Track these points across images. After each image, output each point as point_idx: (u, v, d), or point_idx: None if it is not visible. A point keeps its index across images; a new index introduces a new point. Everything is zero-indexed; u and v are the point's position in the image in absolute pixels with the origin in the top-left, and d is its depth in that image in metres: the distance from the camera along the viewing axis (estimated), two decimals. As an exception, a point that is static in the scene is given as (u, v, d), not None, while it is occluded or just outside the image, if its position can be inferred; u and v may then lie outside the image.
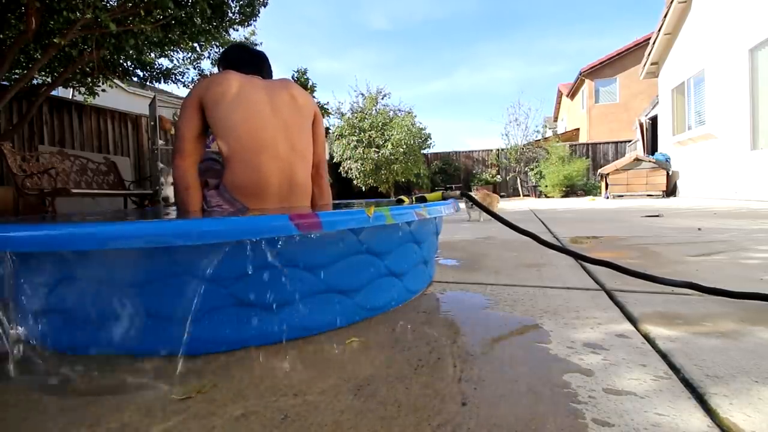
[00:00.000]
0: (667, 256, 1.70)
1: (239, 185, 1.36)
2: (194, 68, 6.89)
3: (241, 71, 1.47)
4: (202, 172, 1.50)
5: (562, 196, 11.56)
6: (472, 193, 3.32)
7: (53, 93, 6.32)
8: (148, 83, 6.81)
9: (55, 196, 4.47)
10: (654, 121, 10.35)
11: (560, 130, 21.61)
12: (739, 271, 1.38)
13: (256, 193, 1.37)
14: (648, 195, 8.83)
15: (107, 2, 4.78)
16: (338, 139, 12.24)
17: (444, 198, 1.40)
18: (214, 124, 1.36)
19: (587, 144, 13.11)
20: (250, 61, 1.59)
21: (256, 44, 7.29)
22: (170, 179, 1.90)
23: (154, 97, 6.84)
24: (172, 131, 7.24)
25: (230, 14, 5.47)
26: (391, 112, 12.65)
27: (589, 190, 11.79)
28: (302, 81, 7.20)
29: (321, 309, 0.89)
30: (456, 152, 14.11)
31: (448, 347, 0.81)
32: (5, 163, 4.50)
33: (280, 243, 0.81)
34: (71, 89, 6.84)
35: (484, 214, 3.50)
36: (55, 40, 4.27)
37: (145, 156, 7.57)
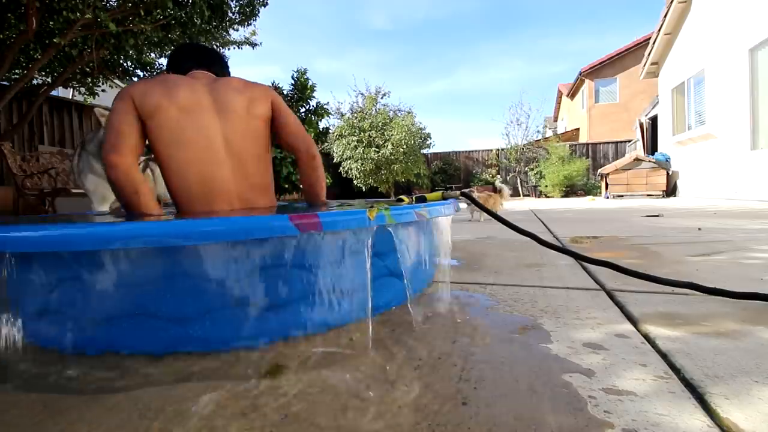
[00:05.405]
0: (667, 256, 1.70)
1: None
2: (194, 68, 6.88)
3: (186, 66, 1.34)
4: None
5: (562, 196, 11.56)
6: (474, 194, 3.31)
7: (53, 93, 6.33)
8: (148, 83, 6.78)
9: (55, 196, 4.47)
10: (654, 121, 10.35)
11: (560, 130, 21.60)
12: (740, 271, 1.38)
13: None
14: (648, 195, 8.83)
15: (107, 2, 4.79)
16: (338, 139, 12.24)
17: (444, 198, 1.40)
18: (157, 153, 1.20)
19: (587, 144, 13.12)
20: (198, 56, 1.42)
21: (256, 44, 7.28)
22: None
23: (154, 97, 6.84)
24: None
25: (230, 14, 5.47)
26: (391, 112, 12.66)
27: (589, 190, 11.79)
28: (302, 81, 7.19)
29: (322, 309, 0.89)
30: (456, 152, 14.12)
31: (448, 347, 0.81)
32: (5, 163, 4.50)
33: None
34: (71, 89, 6.84)
35: (485, 214, 3.50)
36: (55, 40, 4.28)
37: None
